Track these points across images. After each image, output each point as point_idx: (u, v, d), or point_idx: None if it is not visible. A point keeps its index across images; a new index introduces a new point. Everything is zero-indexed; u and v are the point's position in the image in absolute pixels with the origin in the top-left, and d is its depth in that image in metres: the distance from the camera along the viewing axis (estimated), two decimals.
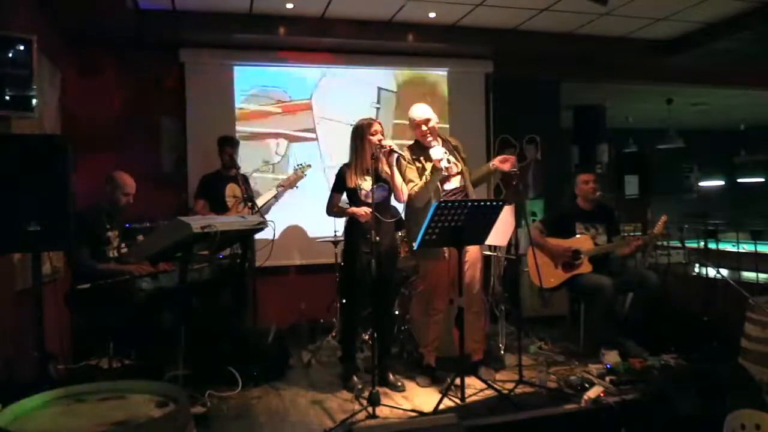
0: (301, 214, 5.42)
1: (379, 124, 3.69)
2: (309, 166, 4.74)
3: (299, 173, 4.69)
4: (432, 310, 3.84)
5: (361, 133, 3.67)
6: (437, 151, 3.59)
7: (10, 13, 3.44)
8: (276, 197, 4.64)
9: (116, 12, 4.53)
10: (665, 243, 5.71)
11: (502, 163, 3.78)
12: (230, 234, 3.45)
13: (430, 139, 3.75)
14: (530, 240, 4.05)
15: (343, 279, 3.79)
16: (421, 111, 3.78)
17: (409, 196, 3.72)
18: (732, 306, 4.03)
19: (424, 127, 3.74)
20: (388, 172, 3.64)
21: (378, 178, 3.66)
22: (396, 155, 3.61)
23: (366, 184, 3.66)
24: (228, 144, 4.69)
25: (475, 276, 3.82)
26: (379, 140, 3.60)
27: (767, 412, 2.49)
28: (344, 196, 3.80)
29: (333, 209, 3.80)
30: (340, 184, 3.75)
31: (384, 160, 3.62)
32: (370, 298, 3.78)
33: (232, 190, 4.63)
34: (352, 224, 3.77)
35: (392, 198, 3.80)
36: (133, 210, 3.94)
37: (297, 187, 4.73)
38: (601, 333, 4.14)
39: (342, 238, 3.93)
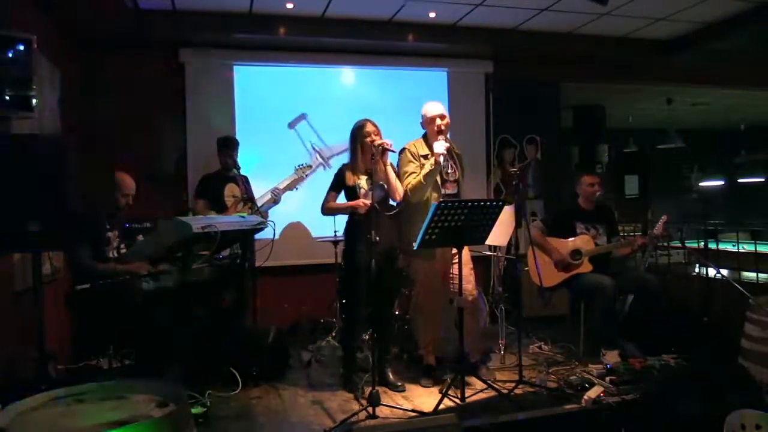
0: (301, 214, 5.43)
1: (373, 124, 3.71)
2: (309, 166, 4.74)
3: (300, 174, 4.68)
4: (424, 310, 3.85)
5: (357, 133, 3.69)
6: (440, 145, 3.61)
7: (10, 12, 3.45)
8: (274, 201, 4.61)
9: (116, 12, 4.54)
10: (666, 243, 5.71)
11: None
12: (230, 234, 3.45)
13: (441, 136, 3.72)
14: (530, 239, 4.06)
15: (343, 279, 3.79)
16: (435, 107, 3.80)
17: (406, 190, 3.71)
18: (732, 306, 4.03)
19: (438, 121, 3.74)
20: (383, 170, 3.63)
21: (375, 180, 3.68)
22: (390, 153, 3.61)
23: (364, 183, 3.69)
24: (227, 145, 4.69)
25: (466, 275, 3.81)
26: (372, 140, 3.62)
27: (767, 412, 2.49)
28: (341, 197, 3.81)
29: (328, 206, 3.79)
30: (338, 182, 3.77)
31: (379, 158, 3.62)
32: (370, 298, 3.78)
33: (231, 190, 4.64)
34: (353, 224, 3.77)
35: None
36: (133, 210, 3.94)
37: (297, 188, 4.71)
38: (601, 333, 4.14)
39: (342, 238, 3.93)
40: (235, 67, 5.48)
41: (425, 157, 3.75)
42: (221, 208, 4.58)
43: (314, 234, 5.37)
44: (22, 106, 3.18)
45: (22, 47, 3.14)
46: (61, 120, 4.46)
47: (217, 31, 5.11)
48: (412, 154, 3.78)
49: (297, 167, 4.72)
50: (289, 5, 4.85)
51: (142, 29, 4.90)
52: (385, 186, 3.68)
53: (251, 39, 5.28)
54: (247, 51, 5.47)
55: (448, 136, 3.84)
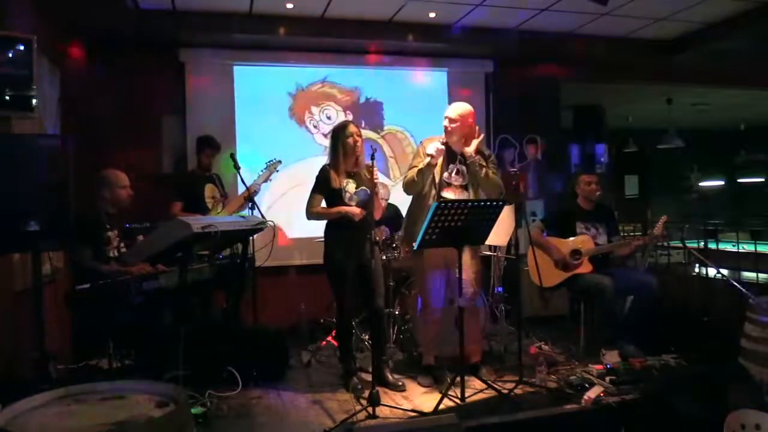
0: (301, 213, 5.42)
1: (355, 126, 3.73)
2: (279, 162, 4.74)
3: (271, 169, 4.68)
4: (427, 310, 3.84)
5: (339, 135, 3.68)
6: (432, 146, 3.65)
7: (9, 12, 3.45)
8: (255, 192, 4.60)
9: (116, 12, 4.54)
10: (666, 243, 5.71)
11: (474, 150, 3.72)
12: (230, 234, 3.45)
13: (455, 138, 3.74)
14: (530, 239, 4.05)
15: (332, 282, 3.77)
16: (450, 108, 3.83)
17: (404, 182, 3.82)
18: (732, 306, 4.03)
19: (444, 123, 3.77)
20: (369, 176, 3.54)
21: (359, 182, 3.69)
22: (372, 153, 3.60)
23: (350, 186, 3.68)
24: (209, 145, 4.68)
25: (469, 278, 3.81)
26: (354, 141, 3.63)
27: (767, 412, 2.49)
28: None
29: (314, 210, 3.69)
30: (322, 185, 3.69)
31: (369, 163, 3.59)
32: (362, 299, 3.77)
33: (210, 190, 4.64)
34: (333, 227, 3.74)
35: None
36: (133, 210, 3.94)
37: (270, 179, 4.72)
38: (602, 333, 4.14)
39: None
40: (235, 67, 5.49)
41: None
42: (202, 209, 4.52)
43: (315, 234, 5.36)
44: (22, 106, 3.18)
45: (22, 47, 3.14)
46: (61, 120, 4.46)
47: (217, 31, 5.11)
48: (422, 151, 3.80)
49: (267, 163, 4.72)
50: (289, 5, 4.86)
51: (142, 29, 4.90)
52: (369, 191, 3.63)
53: (251, 39, 5.28)
54: (247, 51, 5.47)
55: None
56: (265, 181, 4.67)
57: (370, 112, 5.81)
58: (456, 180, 3.80)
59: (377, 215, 3.70)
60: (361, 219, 3.59)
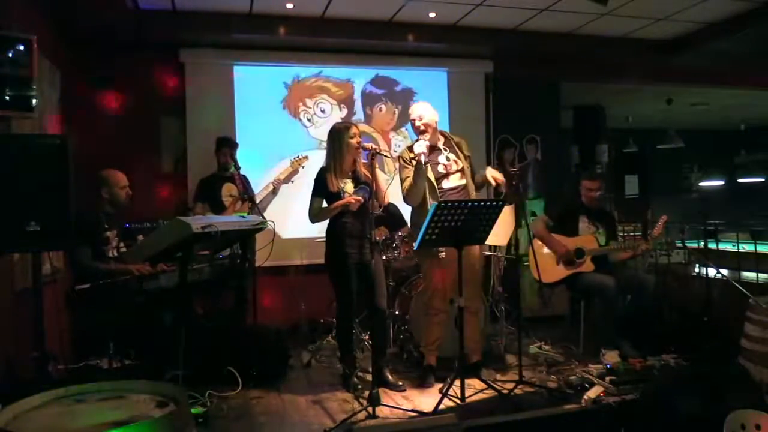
0: (301, 213, 5.42)
1: (357, 127, 3.72)
2: (306, 158, 4.72)
3: (295, 165, 4.67)
4: (432, 310, 3.84)
5: (339, 136, 3.66)
6: (419, 146, 3.63)
7: (9, 13, 3.44)
8: (273, 192, 4.63)
9: (116, 12, 4.54)
10: (668, 252, 5.69)
11: (495, 177, 3.72)
12: (230, 234, 3.45)
13: (423, 136, 3.73)
14: (530, 232, 4.04)
15: (333, 281, 3.77)
16: (418, 109, 3.82)
17: (405, 195, 3.78)
18: (732, 306, 4.03)
19: (417, 123, 3.77)
20: (369, 175, 3.56)
21: (358, 181, 3.68)
22: (380, 157, 3.63)
23: (348, 187, 3.68)
24: (226, 145, 4.70)
25: (473, 277, 3.81)
26: (358, 142, 3.62)
27: (767, 412, 2.49)
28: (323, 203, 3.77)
29: (316, 213, 3.73)
30: (321, 188, 3.69)
31: (366, 162, 3.60)
32: (363, 299, 3.77)
33: (228, 189, 4.67)
34: (335, 226, 3.73)
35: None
36: (133, 210, 3.94)
37: (293, 181, 4.70)
38: (602, 332, 4.14)
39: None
40: (235, 67, 5.49)
41: (413, 159, 3.78)
42: (220, 208, 4.59)
43: (315, 234, 5.37)
44: (22, 106, 3.17)
45: (22, 47, 3.13)
46: (61, 120, 4.46)
47: (217, 31, 5.11)
48: (403, 160, 3.83)
49: (292, 159, 4.71)
50: (289, 5, 4.85)
51: (142, 29, 4.90)
52: (369, 189, 3.63)
53: (251, 39, 5.28)
54: (247, 51, 5.47)
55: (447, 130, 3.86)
56: (287, 180, 4.63)
57: (366, 108, 5.82)
58: (450, 168, 3.80)
59: (383, 200, 3.77)
60: (360, 209, 3.60)
